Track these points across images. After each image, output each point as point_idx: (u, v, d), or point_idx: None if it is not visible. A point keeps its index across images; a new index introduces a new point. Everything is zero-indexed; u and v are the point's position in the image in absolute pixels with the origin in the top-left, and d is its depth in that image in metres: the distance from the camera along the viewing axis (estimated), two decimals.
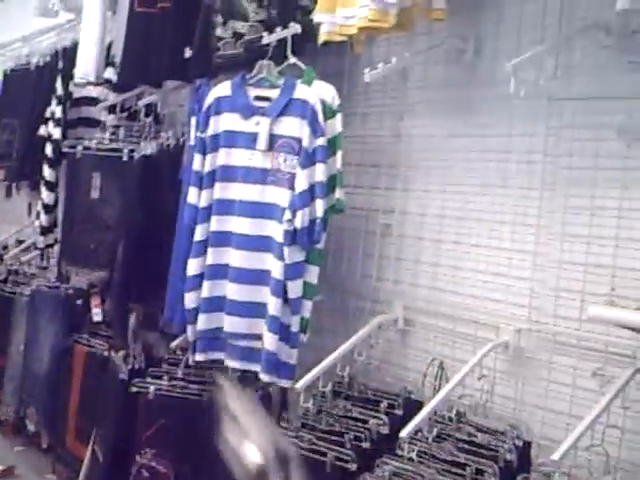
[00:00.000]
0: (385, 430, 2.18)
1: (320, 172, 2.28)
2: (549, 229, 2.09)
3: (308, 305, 2.36)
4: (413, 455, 1.99)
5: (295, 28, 2.42)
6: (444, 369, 2.30)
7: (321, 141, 2.28)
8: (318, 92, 2.34)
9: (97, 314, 3.24)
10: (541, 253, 2.09)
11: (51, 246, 3.68)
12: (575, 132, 2.04)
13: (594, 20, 1.97)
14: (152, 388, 2.72)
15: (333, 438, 2.20)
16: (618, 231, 1.92)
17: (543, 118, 2.11)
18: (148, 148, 3.01)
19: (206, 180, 2.46)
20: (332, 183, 2.32)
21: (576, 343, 1.97)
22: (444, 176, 2.41)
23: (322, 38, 2.23)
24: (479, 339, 2.20)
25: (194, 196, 2.48)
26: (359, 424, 2.24)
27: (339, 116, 2.34)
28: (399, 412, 2.25)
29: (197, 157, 2.48)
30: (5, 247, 4.52)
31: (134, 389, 2.74)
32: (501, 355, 2.13)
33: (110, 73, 3.29)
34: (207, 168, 2.47)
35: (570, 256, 2.01)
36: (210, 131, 2.46)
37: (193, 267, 2.47)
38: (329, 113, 2.32)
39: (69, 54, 3.54)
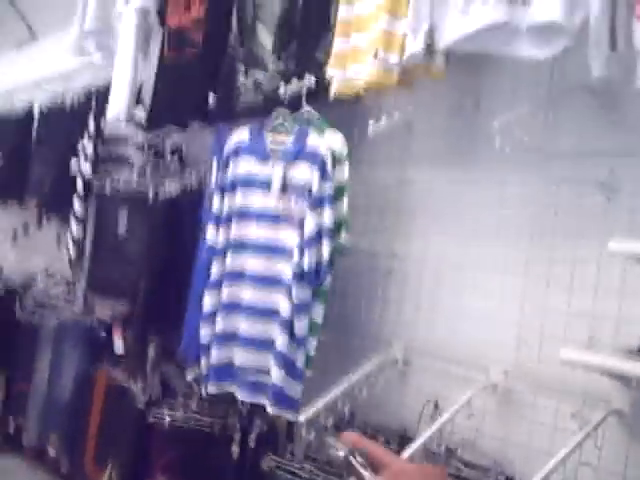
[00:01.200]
0: None
1: (327, 216, 2.59)
2: (536, 277, 2.37)
3: (313, 342, 2.65)
4: None
5: (310, 80, 2.75)
6: (438, 408, 2.57)
7: (329, 187, 2.60)
8: (328, 141, 2.66)
9: (119, 345, 3.59)
10: (528, 299, 2.36)
11: (78, 278, 4.06)
12: (561, 185, 2.32)
13: (580, 82, 2.26)
14: (167, 419, 3.05)
15: (332, 470, 2.49)
16: (597, 280, 2.19)
17: (533, 171, 2.40)
18: (172, 189, 3.37)
19: (224, 220, 2.80)
20: (338, 227, 2.63)
21: (558, 385, 2.23)
22: (443, 222, 2.69)
23: (333, 92, 2.57)
24: (471, 379, 2.47)
25: (212, 234, 2.82)
26: None
27: (346, 164, 2.65)
28: (394, 447, 2.53)
29: (216, 198, 2.83)
30: (34, 278, 4.92)
31: (151, 419, 3.07)
32: (490, 395, 2.40)
33: (140, 113, 3.68)
34: (225, 208, 2.81)
35: (555, 303, 2.27)
36: (229, 173, 2.81)
37: (208, 302, 2.79)
38: (337, 161, 2.64)
39: (102, 93, 3.94)
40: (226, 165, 2.79)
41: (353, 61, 2.44)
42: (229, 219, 2.78)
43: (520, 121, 2.25)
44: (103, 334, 3.78)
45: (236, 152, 2.79)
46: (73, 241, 4.03)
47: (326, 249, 2.58)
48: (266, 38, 2.94)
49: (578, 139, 2.28)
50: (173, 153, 3.68)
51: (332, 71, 2.55)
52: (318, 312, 2.65)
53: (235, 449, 2.82)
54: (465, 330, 2.57)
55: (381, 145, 2.87)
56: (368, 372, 2.69)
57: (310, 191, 2.62)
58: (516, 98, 2.44)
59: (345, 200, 2.65)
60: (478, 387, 2.38)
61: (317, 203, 2.60)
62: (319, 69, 2.71)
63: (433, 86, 2.65)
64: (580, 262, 2.25)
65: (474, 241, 2.58)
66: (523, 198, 2.42)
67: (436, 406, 2.58)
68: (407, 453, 2.26)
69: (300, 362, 2.63)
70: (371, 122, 2.61)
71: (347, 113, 2.90)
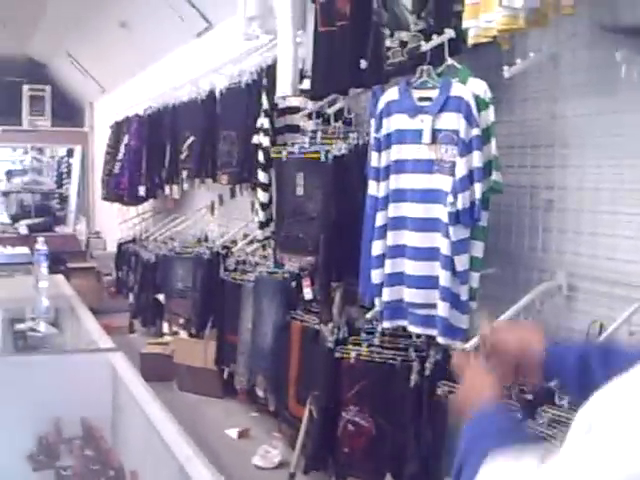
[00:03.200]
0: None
1: (477, 159, 2.69)
2: None
3: (475, 276, 2.79)
4: (564, 403, 2.37)
5: (449, 33, 2.85)
6: (604, 328, 2.61)
7: (476, 131, 2.70)
8: (472, 88, 2.75)
9: (308, 293, 3.89)
10: None
11: (268, 238, 4.42)
12: None
13: None
14: (353, 354, 3.31)
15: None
16: None
17: None
18: (339, 149, 3.59)
19: (382, 173, 2.98)
20: (489, 167, 2.72)
21: None
22: (597, 152, 2.70)
23: (470, 41, 2.65)
24: (632, 299, 2.50)
25: (373, 188, 3.01)
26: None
27: (491, 108, 2.73)
28: None
29: (374, 154, 3.02)
30: (234, 241, 5.39)
31: (337, 355, 3.35)
32: None
33: (306, 84, 3.93)
34: (383, 163, 2.98)
35: None
36: (384, 131, 2.98)
37: (376, 248, 3.00)
38: (482, 106, 2.73)
39: (271, 71, 4.24)
40: (380, 123, 2.96)
41: (484, 10, 2.51)
42: (387, 172, 2.95)
43: None
44: (293, 285, 4.12)
45: (388, 110, 2.94)
46: (261, 206, 4.38)
47: (478, 190, 2.69)
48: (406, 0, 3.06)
49: None
50: (338, 118, 3.89)
51: (467, 22, 2.63)
52: (478, 248, 2.77)
53: (413, 378, 3.02)
54: (624, 253, 2.59)
55: (530, 82, 2.92)
56: (532, 300, 2.77)
57: (459, 138, 2.73)
58: None
59: (494, 141, 2.73)
60: (635, 306, 2.40)
61: (466, 148, 2.71)
62: (457, 22, 2.80)
63: (573, 20, 2.65)
64: None
65: (628, 168, 2.58)
66: None
67: (601, 327, 2.62)
68: None
69: (464, 295, 2.77)
70: (519, 61, 2.65)
71: (492, 57, 2.95)
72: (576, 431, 0.85)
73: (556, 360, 1.31)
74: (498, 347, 1.34)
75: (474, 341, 1.46)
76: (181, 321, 5.54)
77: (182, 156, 5.76)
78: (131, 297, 6.96)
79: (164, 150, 6.21)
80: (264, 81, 4.35)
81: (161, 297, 6.02)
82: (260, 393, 4.39)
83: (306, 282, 3.97)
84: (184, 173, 5.73)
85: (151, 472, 2.09)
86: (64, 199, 11.32)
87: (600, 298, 2.68)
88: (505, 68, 2.59)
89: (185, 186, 5.92)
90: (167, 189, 6.33)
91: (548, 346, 1.32)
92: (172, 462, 1.85)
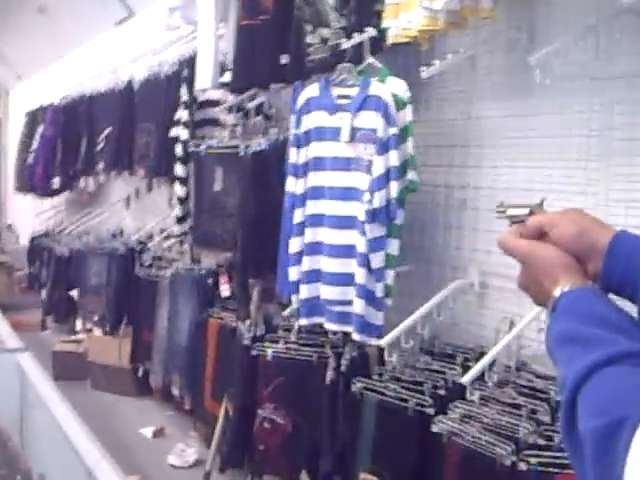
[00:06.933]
0: (459, 379, 2.63)
1: (394, 157, 2.73)
2: (595, 196, 2.44)
3: (390, 273, 2.83)
4: (475, 398, 2.43)
5: (370, 32, 2.87)
6: (513, 325, 2.69)
7: (393, 130, 2.73)
8: (391, 87, 2.79)
9: (225, 290, 3.88)
10: None
11: (185, 233, 4.37)
12: (616, 106, 2.37)
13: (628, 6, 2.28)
14: (269, 351, 3.31)
15: (415, 387, 2.67)
16: None
17: (589, 96, 2.45)
18: (259, 144, 3.58)
19: (301, 170, 2.99)
20: (405, 166, 2.77)
21: None
22: (510, 152, 2.78)
23: (390, 41, 2.69)
24: None
25: (292, 184, 3.02)
26: (438, 375, 2.70)
27: (409, 107, 2.78)
28: (473, 364, 2.68)
29: (293, 151, 3.02)
30: (150, 236, 5.31)
31: (254, 352, 3.34)
32: None
33: (227, 77, 3.90)
34: (302, 160, 2.99)
35: (614, 218, 2.34)
36: (303, 127, 2.98)
37: (294, 245, 3.00)
38: (400, 105, 2.77)
39: (191, 63, 4.19)
40: (299, 120, 2.96)
41: (405, 10, 2.55)
42: (306, 169, 2.96)
43: (566, 50, 2.31)
44: (210, 281, 4.09)
45: (307, 107, 2.95)
46: (179, 200, 4.33)
47: (394, 188, 2.73)
48: None
49: (630, 62, 2.31)
50: (259, 112, 3.88)
51: (387, 22, 2.67)
52: (393, 246, 2.81)
53: (329, 374, 3.04)
54: None
55: (448, 83, 2.98)
56: (445, 297, 2.83)
57: (377, 136, 2.76)
58: (568, 27, 2.48)
59: (411, 140, 2.77)
60: None
61: (383, 147, 2.74)
62: (378, 22, 2.83)
63: (492, 24, 2.72)
64: (636, 179, 2.31)
65: (539, 167, 2.66)
66: (581, 122, 2.48)
67: (511, 324, 2.70)
68: (479, 367, 2.41)
69: (379, 292, 2.80)
70: (437, 62, 2.70)
71: (411, 57, 3.00)
72: None
73: (624, 252, 0.94)
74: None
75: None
76: (95, 318, 5.42)
77: (98, 148, 5.65)
78: (43, 293, 6.77)
79: (80, 141, 6.07)
80: (184, 73, 4.31)
81: (75, 293, 5.88)
82: (175, 391, 4.35)
83: (223, 279, 3.95)
84: (100, 165, 5.61)
85: (59, 476, 2.05)
86: None
87: (510, 295, 2.75)
88: (423, 68, 2.64)
89: (101, 178, 5.81)
90: (82, 181, 6.20)
91: (616, 232, 0.96)
92: (80, 466, 1.81)
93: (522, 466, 2.14)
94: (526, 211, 1.06)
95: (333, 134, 2.89)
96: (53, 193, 7.03)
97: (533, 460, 2.13)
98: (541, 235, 1.02)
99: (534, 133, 2.69)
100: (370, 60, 2.90)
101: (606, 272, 0.95)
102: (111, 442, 4.20)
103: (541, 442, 2.20)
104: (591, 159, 2.48)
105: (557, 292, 0.92)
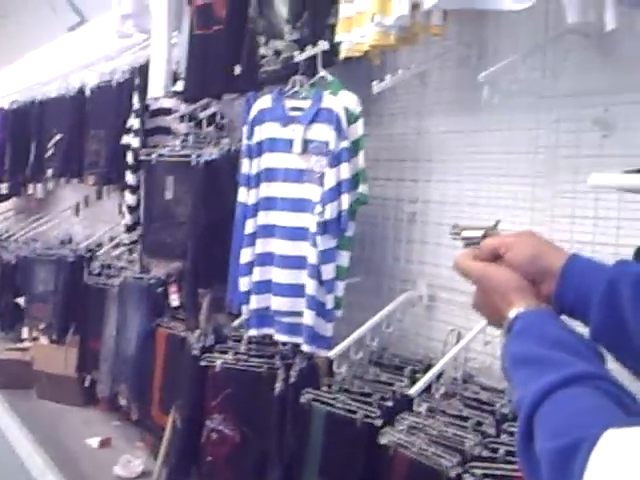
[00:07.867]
0: (407, 391, 2.64)
1: (345, 170, 2.73)
2: (542, 212, 2.48)
3: (340, 285, 2.83)
4: (422, 410, 2.44)
5: (323, 45, 2.88)
6: (461, 338, 2.72)
7: (345, 144, 2.74)
8: (342, 101, 2.80)
9: (174, 300, 3.83)
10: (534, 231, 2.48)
11: (135, 242, 4.31)
12: (561, 124, 2.42)
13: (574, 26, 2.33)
14: (219, 362, 3.28)
15: (363, 399, 2.68)
16: (596, 211, 2.29)
17: (535, 113, 2.50)
18: (211, 154, 3.56)
19: (253, 181, 2.98)
20: (356, 179, 2.77)
21: None
22: (459, 167, 2.82)
23: (342, 55, 2.70)
24: None
25: (244, 195, 3.00)
26: (386, 387, 2.71)
27: (360, 121, 2.79)
28: (421, 376, 2.69)
29: (245, 161, 3.01)
30: (99, 244, 5.23)
31: (203, 363, 3.30)
32: None
33: (179, 86, 3.87)
34: (254, 170, 2.98)
35: (558, 234, 2.38)
36: (255, 138, 2.98)
37: (245, 256, 2.99)
38: (352, 119, 2.78)
39: (144, 71, 4.14)
40: (252, 130, 2.95)
41: (357, 25, 2.56)
42: (258, 180, 2.95)
43: (515, 68, 2.35)
44: (160, 291, 4.04)
45: (260, 118, 2.95)
46: (129, 209, 4.27)
47: (346, 201, 2.73)
48: (282, 8, 3.08)
49: (575, 80, 2.36)
50: (211, 122, 3.86)
51: (340, 36, 2.68)
52: (344, 258, 2.82)
53: (278, 385, 3.02)
54: None
55: (399, 98, 3.01)
56: (394, 309, 2.85)
57: (329, 149, 2.76)
58: (518, 46, 2.53)
59: (362, 154, 2.78)
60: None
61: (335, 159, 2.75)
62: (331, 35, 2.84)
63: (443, 40, 2.75)
64: (581, 196, 2.35)
65: (486, 183, 2.70)
66: (528, 139, 2.53)
67: (459, 336, 2.73)
68: (426, 378, 2.42)
69: (330, 304, 2.80)
70: (388, 77, 2.72)
71: (363, 72, 3.02)
72: None
73: (576, 274, 0.97)
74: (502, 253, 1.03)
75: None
76: (42, 326, 5.30)
77: (47, 154, 5.54)
78: None
79: (29, 147, 5.94)
80: (136, 80, 4.25)
81: (21, 301, 5.75)
82: (123, 401, 4.27)
83: (173, 288, 3.91)
84: (49, 171, 5.50)
85: None
86: None
87: (457, 308, 2.78)
88: (374, 83, 2.65)
89: (50, 185, 5.71)
90: (31, 187, 6.07)
91: (569, 255, 0.99)
92: (25, 476, 1.77)
93: (467, 478, 2.15)
94: (480, 233, 1.07)
95: (285, 146, 2.89)
96: (1, 199, 6.88)
97: (478, 472, 2.15)
98: (495, 257, 1.05)
99: (482, 149, 2.73)
100: (323, 73, 2.91)
101: (559, 294, 0.98)
102: (57, 452, 4.16)
103: (486, 454, 2.22)
104: (537, 175, 2.52)
105: (512, 314, 0.94)
